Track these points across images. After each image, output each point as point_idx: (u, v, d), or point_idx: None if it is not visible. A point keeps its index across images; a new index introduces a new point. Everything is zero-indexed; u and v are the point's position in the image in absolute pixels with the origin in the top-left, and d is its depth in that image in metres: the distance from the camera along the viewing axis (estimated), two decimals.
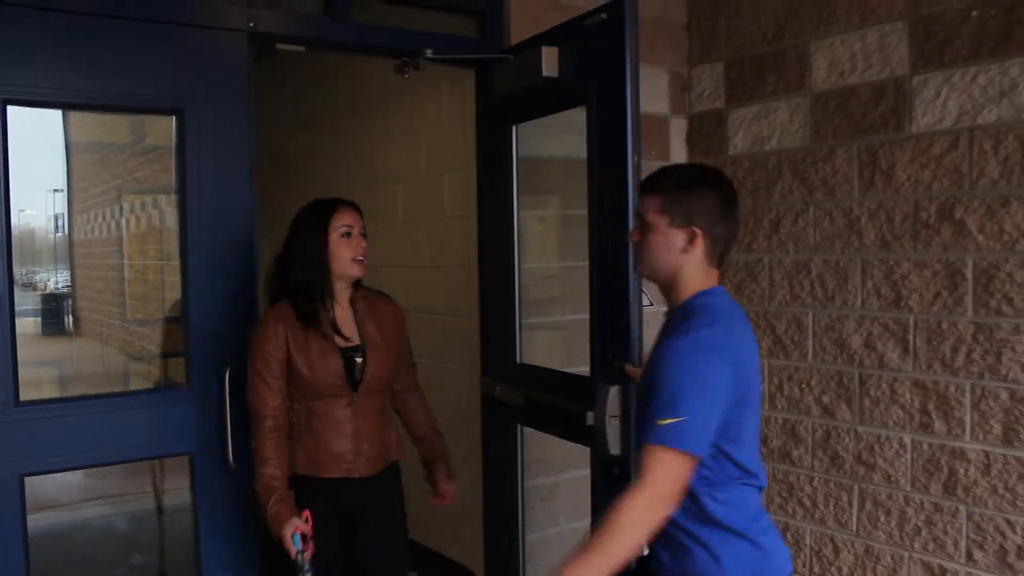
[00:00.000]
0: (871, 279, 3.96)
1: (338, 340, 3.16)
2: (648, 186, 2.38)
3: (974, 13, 3.57)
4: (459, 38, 4.11)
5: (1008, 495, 3.55)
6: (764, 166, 4.39)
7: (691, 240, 2.30)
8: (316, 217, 3.15)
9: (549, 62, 3.50)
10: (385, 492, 3.36)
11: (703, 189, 2.33)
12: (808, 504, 4.27)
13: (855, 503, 4.09)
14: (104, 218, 7.26)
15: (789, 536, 4.36)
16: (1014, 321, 3.49)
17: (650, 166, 4.30)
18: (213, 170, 3.50)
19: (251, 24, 3.54)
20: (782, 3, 4.27)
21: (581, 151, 3.53)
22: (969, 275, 3.62)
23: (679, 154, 4.76)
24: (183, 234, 3.50)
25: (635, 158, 3.28)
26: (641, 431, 2.27)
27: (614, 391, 3.17)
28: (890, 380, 3.91)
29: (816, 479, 4.24)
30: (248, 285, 3.59)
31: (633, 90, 3.24)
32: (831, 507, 4.18)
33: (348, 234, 3.15)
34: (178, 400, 3.51)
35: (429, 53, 3.71)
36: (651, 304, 4.28)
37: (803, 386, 4.27)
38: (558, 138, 4.20)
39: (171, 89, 3.42)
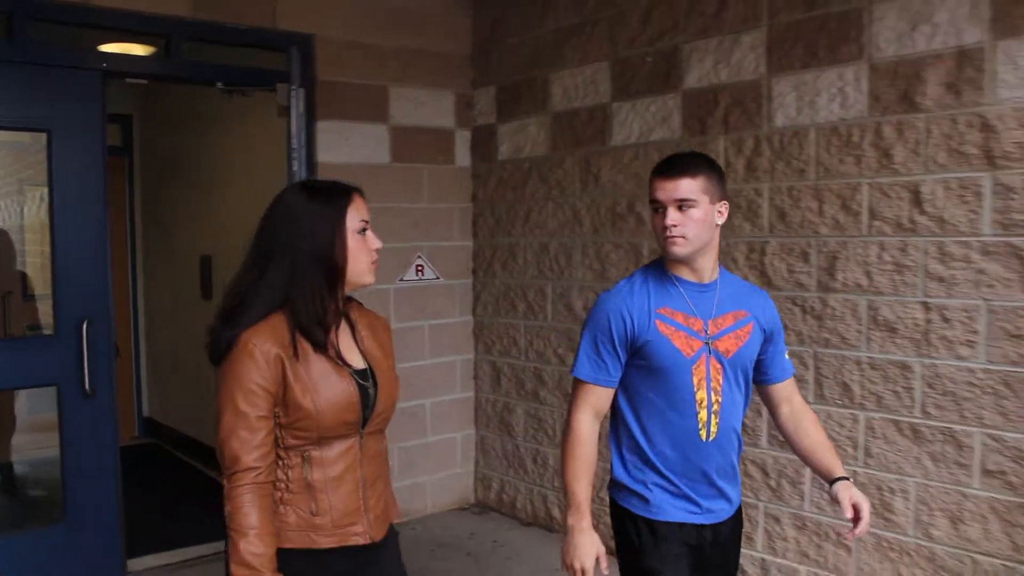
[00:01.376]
0: (587, 257, 5.21)
1: (344, 365, 2.45)
2: (682, 171, 2.64)
3: (648, 59, 4.82)
4: (268, 72, 5.25)
5: None
6: (520, 169, 5.63)
7: (722, 213, 2.71)
8: (329, 207, 2.40)
9: (281, 94, 4.92)
10: (394, 566, 2.67)
11: (721, 171, 2.75)
12: (551, 433, 5.52)
13: None
14: (9, 206, 8.34)
15: (539, 460, 5.61)
16: None
17: (438, 170, 5.62)
18: (76, 170, 4.66)
19: (104, 64, 4.72)
20: (532, 43, 5.50)
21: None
22: (645, 253, 4.87)
23: (464, 159, 5.97)
24: (51, 218, 4.65)
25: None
26: (785, 365, 2.93)
27: None
28: None
29: (556, 412, 5.48)
30: (99, 257, 4.74)
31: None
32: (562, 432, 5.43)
33: (365, 230, 2.44)
34: (49, 344, 4.69)
35: (220, 85, 4.90)
36: (438, 277, 5.55)
37: (546, 342, 5.51)
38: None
39: (43, 112, 4.57)
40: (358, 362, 2.48)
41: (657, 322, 2.67)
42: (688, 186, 2.62)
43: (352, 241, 2.39)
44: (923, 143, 3.75)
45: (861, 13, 3.92)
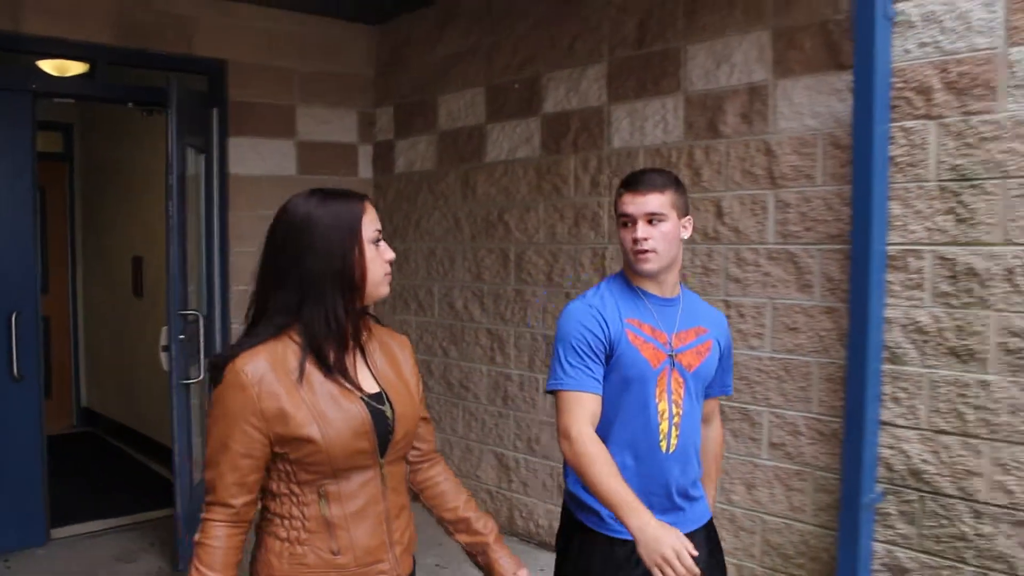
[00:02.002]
0: (467, 260, 5.85)
1: (353, 389, 2.23)
2: (651, 186, 2.66)
3: (516, 85, 5.47)
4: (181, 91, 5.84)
5: (532, 401, 5.46)
6: (413, 181, 6.27)
7: (687, 228, 2.74)
8: (344, 216, 2.19)
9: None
10: None
11: (684, 187, 2.79)
12: (435, 418, 6.16)
13: (459, 415, 5.98)
14: None
15: None
16: (532, 288, 5.40)
17: (343, 181, 6.23)
18: (8, 180, 5.26)
19: (34, 86, 5.33)
20: (425, 68, 6.14)
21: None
22: (512, 257, 5.52)
23: (366, 171, 6.61)
24: None
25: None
26: (726, 383, 2.98)
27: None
28: (474, 329, 5.81)
29: (440, 400, 6.13)
30: (27, 257, 5.34)
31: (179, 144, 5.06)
32: (447, 419, 6.08)
33: (379, 240, 2.25)
34: None
35: (130, 105, 5.52)
36: None
37: (433, 336, 6.15)
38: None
39: None
40: (371, 386, 2.26)
41: (628, 332, 2.66)
42: (658, 200, 2.64)
43: (369, 252, 2.18)
44: (724, 164, 4.41)
45: (679, 52, 4.58)
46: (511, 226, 5.50)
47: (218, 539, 2.10)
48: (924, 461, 3.67)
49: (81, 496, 6.42)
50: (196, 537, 2.12)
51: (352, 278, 2.14)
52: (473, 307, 5.82)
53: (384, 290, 2.23)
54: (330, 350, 2.15)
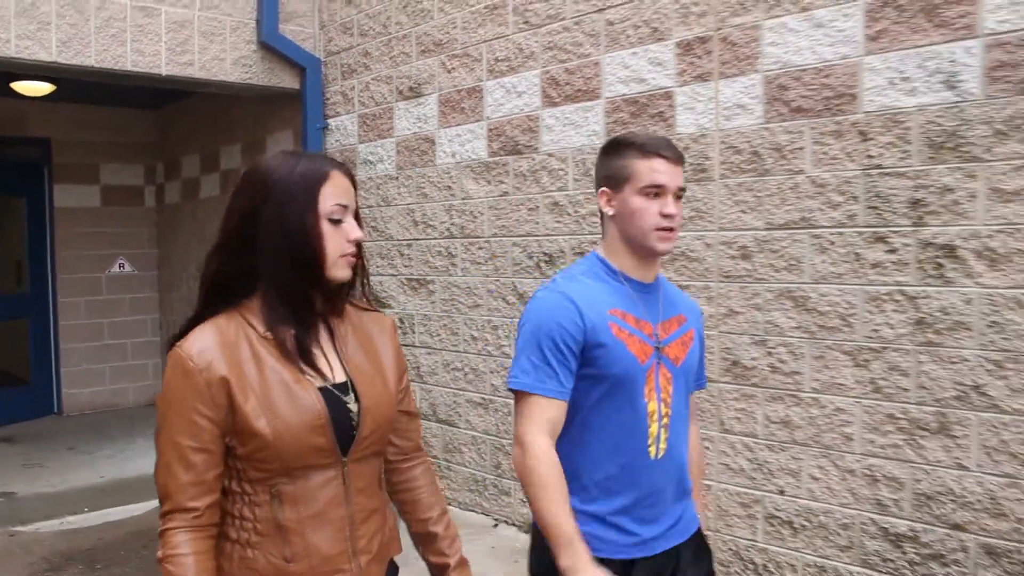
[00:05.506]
0: (191, 271, 9.55)
1: (311, 377, 1.96)
2: (680, 155, 2.37)
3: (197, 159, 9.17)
4: (23, 163, 9.65)
5: None
6: (177, 210, 9.97)
7: None
8: (300, 184, 1.91)
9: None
10: None
11: None
12: None
13: None
14: None
15: None
16: None
17: (133, 209, 9.97)
18: None
19: None
20: (180, 138, 9.85)
21: None
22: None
23: (150, 203, 10.32)
24: None
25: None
26: (701, 375, 2.65)
27: None
28: None
29: None
30: None
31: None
32: None
33: (340, 218, 1.94)
34: None
35: None
36: (134, 271, 9.81)
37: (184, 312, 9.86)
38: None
39: None
40: (338, 374, 1.99)
41: (611, 324, 2.31)
42: (682, 173, 2.36)
43: (325, 227, 1.91)
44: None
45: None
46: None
47: (183, 545, 1.83)
48: None
49: None
50: (159, 554, 1.85)
51: (303, 254, 1.89)
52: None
53: (340, 273, 1.95)
54: (286, 332, 1.92)
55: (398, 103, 6.71)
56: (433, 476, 2.30)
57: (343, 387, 1.99)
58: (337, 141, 7.28)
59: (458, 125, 6.20)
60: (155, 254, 10.35)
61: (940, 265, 3.86)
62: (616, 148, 2.42)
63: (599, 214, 2.47)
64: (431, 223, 6.46)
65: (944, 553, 3.88)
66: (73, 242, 9.67)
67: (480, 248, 6.06)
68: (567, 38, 5.38)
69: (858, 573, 4.15)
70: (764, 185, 4.42)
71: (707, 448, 4.70)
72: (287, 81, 7.29)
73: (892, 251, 4.00)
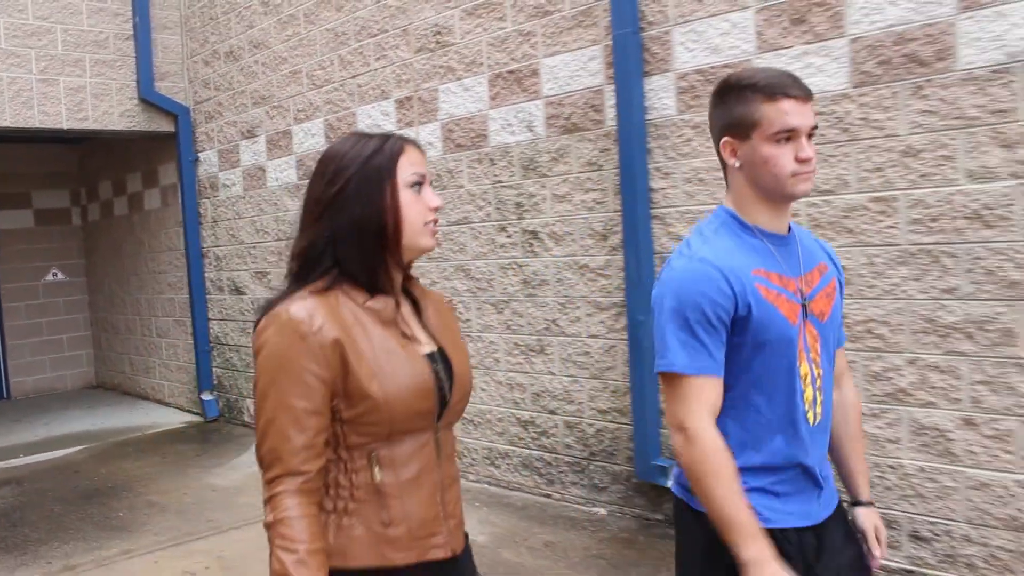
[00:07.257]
0: (134, 277, 11.68)
1: (417, 344, 2.05)
2: (810, 93, 2.13)
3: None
4: None
5: None
6: (98, 228, 12.08)
7: None
8: (377, 156, 1.99)
9: None
10: None
11: None
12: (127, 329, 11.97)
13: None
14: None
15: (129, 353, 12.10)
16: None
17: (64, 228, 12.11)
18: None
19: None
20: (100, 167, 11.98)
21: None
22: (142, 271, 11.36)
23: (77, 222, 12.42)
24: None
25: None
26: (841, 331, 2.39)
27: None
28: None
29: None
30: None
31: None
32: None
33: (419, 184, 2.02)
34: None
35: None
36: (66, 278, 11.99)
37: (136, 310, 12.01)
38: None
39: None
40: (427, 344, 2.06)
41: (758, 286, 2.12)
42: (812, 109, 2.12)
43: (405, 196, 1.97)
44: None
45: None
46: (143, 249, 11.26)
47: (294, 508, 1.83)
48: None
49: None
50: (267, 518, 1.84)
51: (385, 224, 1.94)
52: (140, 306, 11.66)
53: (426, 241, 2.00)
54: (386, 301, 1.98)
55: (241, 141, 8.87)
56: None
57: (433, 356, 2.02)
58: (205, 170, 9.42)
59: (279, 158, 8.37)
60: (83, 264, 12.39)
61: (531, 244, 6.04)
62: (736, 91, 2.15)
63: (721, 165, 2.24)
64: (266, 230, 8.62)
65: (546, 429, 6.08)
66: (13, 257, 11.74)
67: None
68: (337, 95, 7.55)
69: (507, 450, 6.35)
70: (444, 197, 6.58)
71: None
72: (164, 126, 9.42)
73: (509, 237, 6.18)
